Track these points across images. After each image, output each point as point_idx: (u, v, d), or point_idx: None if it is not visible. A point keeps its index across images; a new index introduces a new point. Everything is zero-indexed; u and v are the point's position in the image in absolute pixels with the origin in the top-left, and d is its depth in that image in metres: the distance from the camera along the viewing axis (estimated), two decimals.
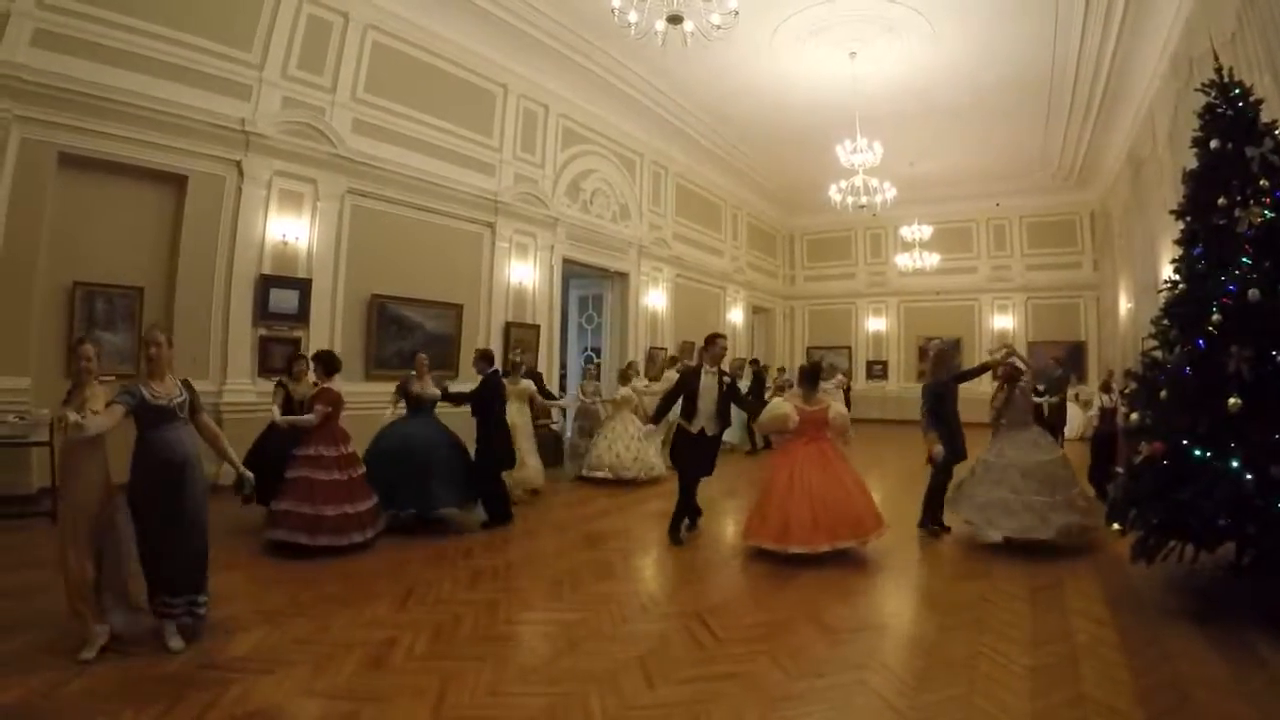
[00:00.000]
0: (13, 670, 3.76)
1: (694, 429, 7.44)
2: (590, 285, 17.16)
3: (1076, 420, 15.45)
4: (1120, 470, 9.58)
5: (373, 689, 3.76)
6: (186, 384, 4.61)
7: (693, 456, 7.48)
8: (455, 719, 3.48)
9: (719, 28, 8.66)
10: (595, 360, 15.38)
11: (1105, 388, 10.33)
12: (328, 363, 7.15)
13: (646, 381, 13.50)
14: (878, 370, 24.13)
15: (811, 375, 7.30)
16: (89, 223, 8.33)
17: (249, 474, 4.82)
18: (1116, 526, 5.49)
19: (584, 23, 12.16)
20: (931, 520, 7.67)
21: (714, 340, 7.74)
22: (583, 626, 4.80)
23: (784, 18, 12.08)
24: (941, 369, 8.34)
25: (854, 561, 6.53)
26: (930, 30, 12.25)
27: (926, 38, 12.49)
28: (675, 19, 8.41)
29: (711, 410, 7.50)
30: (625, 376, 12.20)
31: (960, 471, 7.64)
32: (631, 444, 11.03)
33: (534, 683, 3.90)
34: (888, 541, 6.89)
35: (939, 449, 7.47)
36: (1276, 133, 5.35)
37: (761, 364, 18.45)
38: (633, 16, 8.57)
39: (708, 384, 7.49)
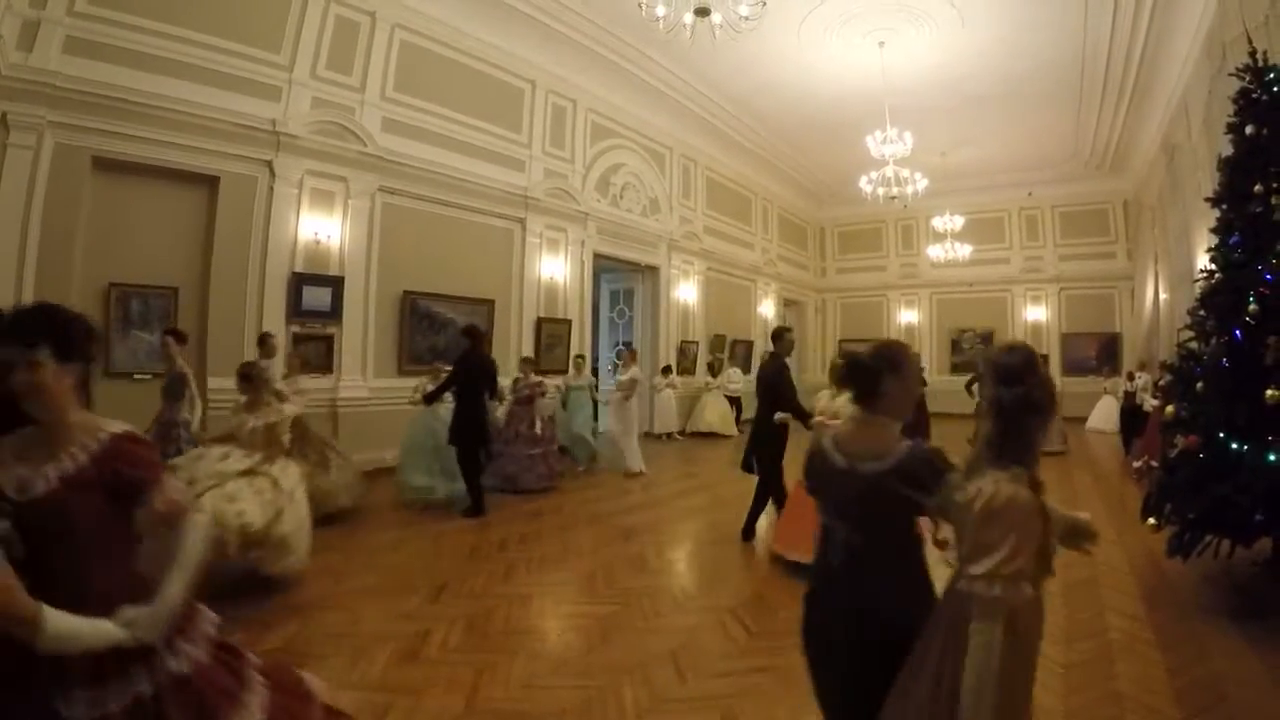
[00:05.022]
0: None
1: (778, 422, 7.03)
2: (621, 279, 17.21)
3: (1113, 413, 15.32)
4: (1140, 438, 10.68)
5: (406, 681, 3.82)
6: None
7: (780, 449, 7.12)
8: (489, 711, 3.54)
9: (747, 19, 8.63)
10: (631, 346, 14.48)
11: (1129, 377, 13.27)
12: None
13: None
14: None
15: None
16: (123, 225, 8.49)
17: None
18: (1151, 521, 5.41)
19: (611, 17, 12.17)
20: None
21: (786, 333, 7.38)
22: (615, 620, 4.85)
23: (812, 8, 12.00)
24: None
25: None
26: (959, 18, 12.10)
27: (955, 25, 12.34)
28: (703, 11, 8.37)
29: None
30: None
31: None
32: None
33: (567, 675, 3.95)
34: None
35: None
36: None
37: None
38: (660, 10, 8.58)
39: None
